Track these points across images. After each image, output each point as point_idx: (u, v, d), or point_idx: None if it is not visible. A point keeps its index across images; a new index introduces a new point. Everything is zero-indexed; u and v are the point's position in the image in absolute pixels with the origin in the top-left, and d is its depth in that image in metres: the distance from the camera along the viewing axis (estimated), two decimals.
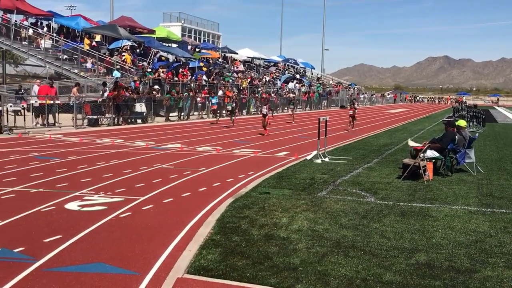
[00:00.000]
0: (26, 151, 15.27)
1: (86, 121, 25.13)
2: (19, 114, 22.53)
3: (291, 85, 57.19)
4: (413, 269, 5.97)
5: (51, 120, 24.00)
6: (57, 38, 37.07)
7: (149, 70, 35.73)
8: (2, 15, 36.24)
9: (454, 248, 6.78)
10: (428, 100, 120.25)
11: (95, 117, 25.63)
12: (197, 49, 52.47)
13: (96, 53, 34.87)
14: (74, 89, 26.87)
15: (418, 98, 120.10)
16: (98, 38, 39.35)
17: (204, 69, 43.96)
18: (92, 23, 41.68)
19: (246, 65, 60.80)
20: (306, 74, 76.41)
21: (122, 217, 8.08)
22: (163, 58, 43.22)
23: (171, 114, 31.56)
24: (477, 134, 16.23)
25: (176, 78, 36.75)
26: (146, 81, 32.75)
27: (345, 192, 10.33)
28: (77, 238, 6.88)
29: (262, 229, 7.44)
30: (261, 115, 24.43)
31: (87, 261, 6.04)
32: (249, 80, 48.57)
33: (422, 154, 11.97)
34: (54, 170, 12.10)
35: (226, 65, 53.55)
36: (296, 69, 74.25)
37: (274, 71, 64.04)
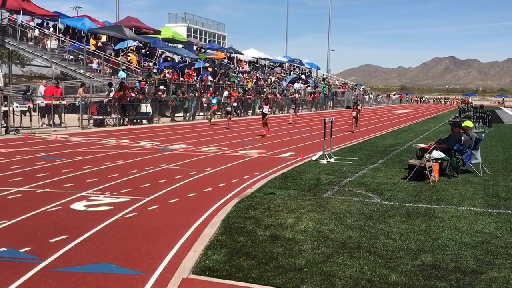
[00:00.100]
0: (32, 151, 15.32)
1: (92, 121, 25.19)
2: (26, 114, 22.62)
3: (296, 85, 57.17)
4: (419, 270, 5.96)
5: (57, 120, 24.07)
6: (63, 39, 37.22)
7: (154, 70, 35.79)
8: (9, 16, 36.40)
9: (460, 249, 6.76)
10: (434, 101, 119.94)
11: (101, 117, 25.68)
12: (202, 50, 52.53)
13: (102, 54, 34.98)
14: (80, 90, 26.96)
15: (424, 98, 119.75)
16: (104, 38, 39.46)
17: (210, 69, 44.03)
18: (98, 24, 41.80)
19: (252, 66, 60.86)
20: (312, 74, 76.38)
21: (127, 217, 8.09)
22: (168, 58, 43.31)
23: (176, 115, 31.59)
24: (483, 135, 16.19)
25: (181, 79, 36.81)
26: (152, 81, 32.80)
27: (350, 192, 10.31)
28: (83, 238, 6.90)
29: (268, 229, 7.44)
30: (261, 115, 23.78)
31: (93, 261, 6.05)
32: (254, 80, 48.60)
33: (428, 155, 11.93)
34: (60, 170, 12.14)
35: (232, 66, 53.59)
36: (302, 69, 74.26)
37: (280, 72, 64.04)
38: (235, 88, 40.97)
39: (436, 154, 12.32)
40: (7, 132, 20.09)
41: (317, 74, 79.41)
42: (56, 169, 12.32)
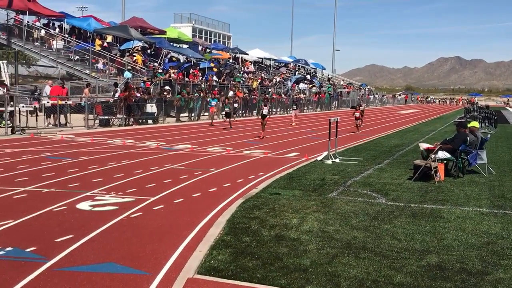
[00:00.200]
0: (38, 151, 15.38)
1: (97, 121, 25.27)
2: (33, 114, 22.70)
3: (301, 85, 57.14)
4: (424, 270, 5.94)
5: (62, 120, 24.15)
6: (68, 39, 37.35)
7: (160, 70, 35.85)
8: (15, 16, 36.54)
9: (465, 250, 6.74)
10: (439, 101, 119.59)
11: (106, 117, 25.75)
12: (207, 50, 52.59)
13: (107, 54, 35.08)
14: (86, 90, 27.05)
15: (429, 99, 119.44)
16: (109, 39, 39.60)
17: (215, 69, 44.04)
18: (103, 24, 41.92)
19: (257, 66, 60.86)
20: (317, 74, 76.31)
21: (133, 217, 8.10)
22: (173, 58, 43.39)
23: (181, 115, 31.63)
24: (489, 135, 16.10)
25: (186, 79, 36.85)
26: (157, 81, 32.86)
27: (355, 193, 10.29)
28: (88, 238, 6.92)
29: (273, 230, 7.43)
30: (261, 116, 22.82)
31: (98, 261, 6.07)
32: (259, 80, 48.59)
33: (433, 155, 11.91)
34: (65, 170, 12.17)
35: (237, 66, 53.60)
36: (307, 69, 74.19)
37: (285, 72, 64.00)
38: (240, 88, 40.98)
39: (442, 154, 12.30)
40: (13, 132, 20.17)
41: (322, 74, 79.34)
42: (61, 169, 12.35)
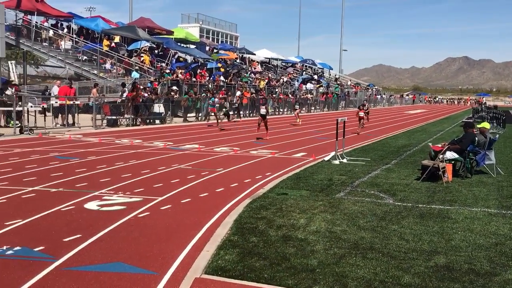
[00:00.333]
0: (46, 151, 15.45)
1: (105, 121, 25.36)
2: (45, 114, 22.81)
3: (309, 85, 57.07)
4: (432, 271, 5.92)
5: (70, 120, 24.25)
6: (76, 39, 37.50)
7: (167, 71, 35.94)
8: (23, 17, 36.74)
9: (473, 251, 6.71)
10: (447, 101, 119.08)
11: (114, 117, 25.85)
12: (215, 50, 52.65)
13: (115, 54, 35.19)
14: (94, 90, 27.15)
15: (437, 99, 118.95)
16: (117, 39, 39.72)
17: (222, 70, 44.09)
18: (111, 24, 42.07)
19: (264, 66, 60.85)
20: (324, 74, 76.20)
21: (140, 217, 8.12)
22: (181, 59, 43.47)
23: (189, 115, 31.68)
24: (497, 136, 16.03)
25: (194, 79, 36.92)
26: (165, 82, 32.93)
27: (363, 193, 10.27)
28: (96, 238, 6.94)
29: (280, 230, 7.43)
30: (260, 116, 22.02)
31: (106, 261, 6.09)
32: (266, 80, 48.59)
33: (441, 156, 11.86)
34: (73, 170, 12.22)
35: (244, 66, 53.63)
36: (314, 69, 74.11)
37: (292, 72, 63.96)
38: (247, 89, 40.99)
39: (450, 154, 12.25)
40: (21, 132, 20.27)
41: (330, 75, 79.21)
42: (69, 168, 12.40)
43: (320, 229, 7.52)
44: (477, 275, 5.84)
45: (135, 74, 33.36)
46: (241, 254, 6.32)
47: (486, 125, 13.87)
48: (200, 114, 32.38)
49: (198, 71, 39.14)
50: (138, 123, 26.59)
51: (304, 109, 47.61)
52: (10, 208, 8.43)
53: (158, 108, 28.78)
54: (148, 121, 27.76)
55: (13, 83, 27.57)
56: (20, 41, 35.55)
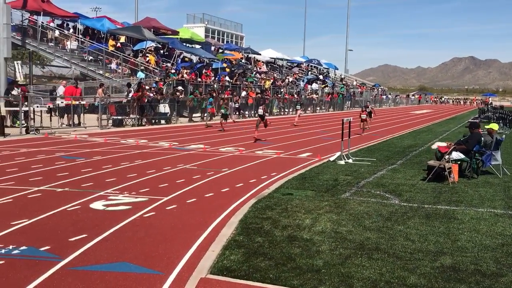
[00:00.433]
0: (52, 151, 15.49)
1: (110, 121, 25.42)
2: (53, 114, 22.86)
3: (314, 85, 57.00)
4: (438, 272, 5.90)
5: (76, 120, 24.32)
6: (82, 40, 37.57)
7: (172, 71, 35.97)
8: (29, 17, 36.85)
9: (480, 252, 6.68)
10: (453, 101, 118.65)
11: (119, 117, 25.90)
12: (220, 50, 52.63)
13: (120, 54, 35.24)
14: (100, 90, 27.20)
15: (443, 99, 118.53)
16: (122, 39, 39.77)
17: (227, 70, 44.09)
18: (117, 25, 42.12)
19: (269, 66, 60.78)
20: (330, 75, 76.09)
21: (146, 217, 8.14)
22: (186, 59, 43.50)
23: (194, 115, 31.70)
24: (504, 136, 15.96)
25: (199, 79, 36.92)
26: (170, 82, 32.96)
27: (369, 194, 10.25)
28: (102, 238, 6.96)
29: (285, 230, 7.43)
30: (258, 116, 21.57)
31: (112, 260, 6.10)
32: (272, 81, 48.55)
33: (447, 156, 11.82)
34: (79, 170, 12.26)
35: (249, 66, 53.61)
36: (320, 69, 73.99)
37: (297, 72, 63.88)
38: (253, 89, 40.98)
39: (456, 155, 12.21)
40: (27, 132, 20.34)
41: (335, 75, 79.06)
42: (75, 168, 12.44)
43: (325, 229, 7.51)
44: (483, 276, 5.82)
45: (140, 74, 33.41)
46: (246, 254, 6.32)
47: (494, 126, 13.81)
48: (205, 114, 32.36)
49: (204, 71, 39.15)
50: (143, 123, 26.64)
51: (309, 109, 47.57)
52: (17, 208, 8.47)
53: (164, 108, 28.80)
54: (153, 121, 27.80)
55: (20, 83, 27.63)
56: (26, 41, 35.65)
